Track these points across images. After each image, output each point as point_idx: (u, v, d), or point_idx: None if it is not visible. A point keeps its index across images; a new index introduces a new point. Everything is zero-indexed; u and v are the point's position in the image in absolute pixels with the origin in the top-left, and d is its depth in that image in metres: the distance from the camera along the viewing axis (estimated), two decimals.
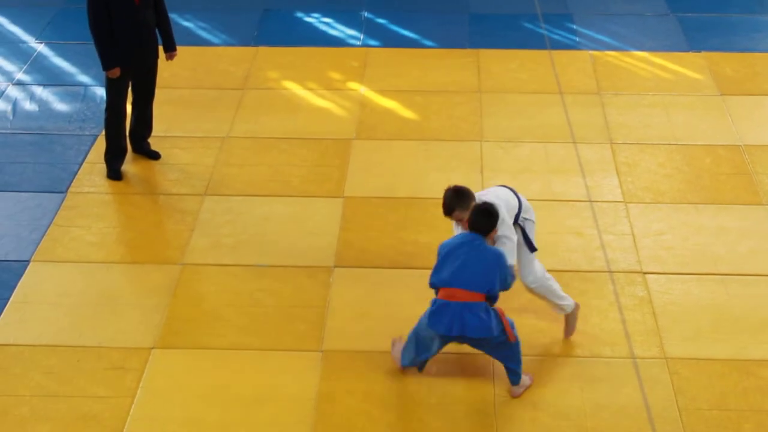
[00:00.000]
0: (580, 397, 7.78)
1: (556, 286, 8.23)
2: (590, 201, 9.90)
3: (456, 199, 7.78)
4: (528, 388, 7.82)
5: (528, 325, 8.42)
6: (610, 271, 9.02)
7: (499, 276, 7.50)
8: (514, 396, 7.78)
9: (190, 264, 9.17)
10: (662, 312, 8.59)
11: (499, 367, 7.97)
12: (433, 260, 9.19)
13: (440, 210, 9.66)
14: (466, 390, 7.86)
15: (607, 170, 10.38)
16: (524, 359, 8.05)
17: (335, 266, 9.15)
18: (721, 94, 11.67)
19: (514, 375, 7.77)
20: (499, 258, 7.53)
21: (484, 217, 7.58)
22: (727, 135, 10.95)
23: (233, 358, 8.19)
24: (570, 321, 8.33)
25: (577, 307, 8.33)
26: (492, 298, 7.51)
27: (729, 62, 12.30)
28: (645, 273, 9.02)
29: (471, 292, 7.45)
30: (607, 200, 9.94)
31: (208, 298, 8.81)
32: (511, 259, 7.69)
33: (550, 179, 10.24)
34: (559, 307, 8.29)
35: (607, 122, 11.16)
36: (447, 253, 7.61)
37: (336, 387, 7.91)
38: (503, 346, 7.64)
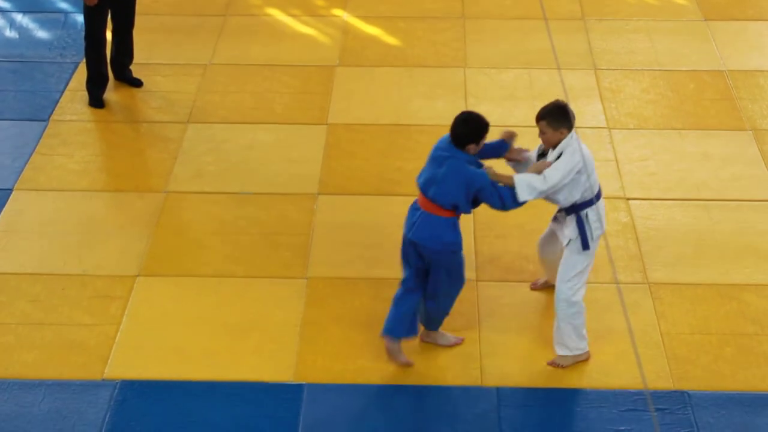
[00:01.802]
0: None
1: (581, 320, 7.44)
2: (574, 127, 9.86)
3: (550, 110, 7.27)
4: (452, 345, 7.65)
5: (512, 252, 8.45)
6: None
7: (475, 197, 7.11)
8: (422, 340, 7.65)
9: (174, 192, 9.15)
10: (645, 238, 8.63)
11: (484, 293, 8.01)
12: (415, 186, 9.21)
13: (425, 137, 9.71)
14: (451, 317, 7.83)
15: (590, 96, 10.36)
16: (509, 285, 8.12)
17: (319, 193, 9.14)
18: (705, 20, 11.62)
19: (431, 318, 7.56)
20: (472, 180, 7.04)
21: (461, 124, 7.11)
22: (711, 61, 10.92)
23: (218, 285, 8.21)
24: (566, 361, 7.57)
25: (585, 355, 7.54)
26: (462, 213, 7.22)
27: None
28: (628, 199, 9.04)
29: (435, 205, 7.19)
30: (591, 126, 9.93)
31: (192, 226, 8.81)
32: (523, 194, 7.10)
33: (534, 105, 10.08)
34: (565, 345, 7.47)
35: (591, 48, 11.12)
36: (432, 156, 7.22)
37: (320, 314, 7.94)
38: (439, 276, 7.33)
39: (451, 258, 7.30)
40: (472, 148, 7.16)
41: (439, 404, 7.26)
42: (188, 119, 10.04)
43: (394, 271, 8.27)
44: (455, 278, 7.38)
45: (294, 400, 7.26)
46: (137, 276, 8.28)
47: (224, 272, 8.32)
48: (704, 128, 9.93)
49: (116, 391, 7.34)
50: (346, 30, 11.48)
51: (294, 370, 7.48)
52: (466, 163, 7.12)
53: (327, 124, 9.99)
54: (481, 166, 7.22)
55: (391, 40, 11.33)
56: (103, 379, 7.43)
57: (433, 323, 7.60)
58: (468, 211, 7.23)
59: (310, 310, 7.97)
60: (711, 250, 8.52)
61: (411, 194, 9.02)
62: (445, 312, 7.54)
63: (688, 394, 7.30)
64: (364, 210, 8.97)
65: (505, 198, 7.14)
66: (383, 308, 7.92)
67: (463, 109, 10.03)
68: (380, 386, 7.38)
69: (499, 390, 7.34)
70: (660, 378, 7.43)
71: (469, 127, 7.15)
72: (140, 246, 8.55)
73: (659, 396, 7.27)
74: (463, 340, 7.66)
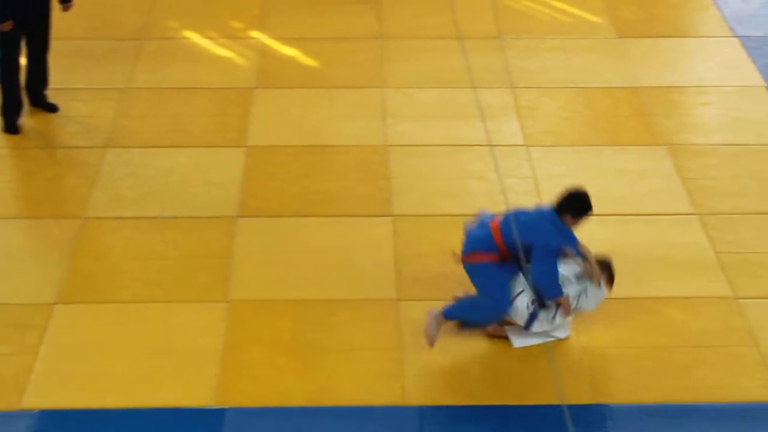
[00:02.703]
0: (489, 341, 7.86)
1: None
2: (492, 145, 9.97)
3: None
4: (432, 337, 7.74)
5: (433, 271, 8.48)
6: None
7: (530, 243, 7.49)
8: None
9: (92, 218, 9.06)
10: None
11: (406, 312, 8.04)
12: (336, 207, 9.23)
13: (344, 158, 9.75)
14: (373, 336, 7.91)
15: (508, 114, 10.45)
16: (430, 303, 8.14)
17: (239, 216, 9.11)
18: (619, 37, 11.78)
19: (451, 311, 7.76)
20: (543, 234, 7.52)
21: (567, 193, 7.65)
22: (625, 77, 11.08)
23: (137, 311, 8.14)
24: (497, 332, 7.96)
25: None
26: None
27: (627, 5, 12.41)
28: None
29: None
30: (509, 144, 10.01)
31: (111, 252, 8.73)
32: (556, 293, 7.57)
33: (453, 124, 10.28)
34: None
35: (508, 66, 11.22)
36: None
37: (242, 337, 7.91)
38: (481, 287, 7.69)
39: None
40: (568, 218, 7.59)
41: (362, 424, 7.25)
42: (106, 144, 9.96)
43: (316, 292, 8.30)
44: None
45: (215, 424, 7.21)
46: (55, 304, 8.17)
47: (144, 297, 8.26)
48: (620, 144, 10.06)
49: (34, 421, 7.23)
50: (263, 52, 11.47)
51: (215, 395, 7.43)
52: (549, 220, 7.57)
53: (246, 146, 9.97)
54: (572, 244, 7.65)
55: (308, 61, 11.34)
56: (21, 410, 7.31)
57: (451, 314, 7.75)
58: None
59: (231, 333, 7.93)
60: (628, 265, 8.60)
61: (330, 215, 9.09)
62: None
63: (609, 408, 7.37)
64: (285, 232, 8.96)
65: (546, 275, 7.53)
66: (304, 330, 7.93)
67: (382, 129, 10.15)
68: (302, 408, 7.36)
69: (421, 409, 7.36)
70: (580, 393, 7.48)
71: (572, 198, 7.61)
72: (58, 273, 8.45)
73: (579, 410, 7.32)
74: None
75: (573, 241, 7.62)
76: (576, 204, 7.65)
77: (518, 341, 7.74)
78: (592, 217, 9.09)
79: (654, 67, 11.28)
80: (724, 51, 11.59)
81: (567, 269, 7.64)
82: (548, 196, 9.30)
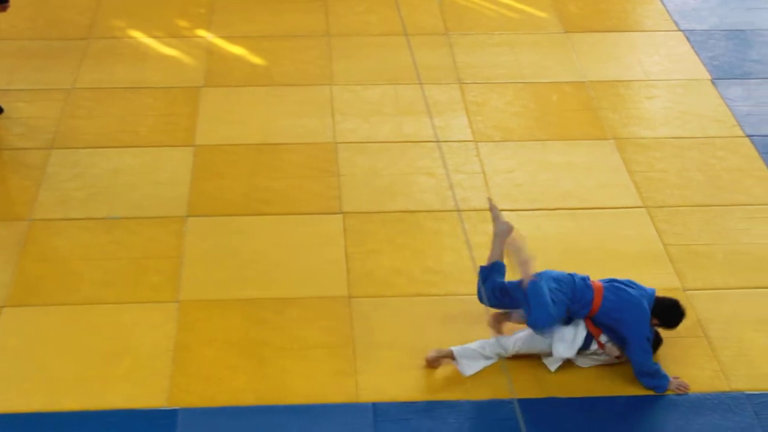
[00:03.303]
0: (438, 335, 7.88)
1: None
2: (441, 141, 9.99)
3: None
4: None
5: (384, 267, 8.49)
6: (463, 210, 9.13)
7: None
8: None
9: (39, 219, 8.97)
10: None
11: (358, 309, 8.04)
12: (286, 205, 9.21)
13: (293, 155, 9.73)
14: (325, 334, 7.90)
15: (456, 110, 10.48)
16: (382, 300, 8.15)
17: (188, 215, 9.06)
18: (565, 32, 11.85)
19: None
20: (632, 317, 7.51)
21: (667, 302, 7.66)
22: (572, 72, 11.14)
23: (87, 313, 8.07)
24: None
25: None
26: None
27: (573, 0, 12.48)
28: None
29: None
30: (458, 140, 10.04)
31: (59, 254, 8.65)
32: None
33: (401, 121, 10.29)
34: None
35: (456, 62, 11.25)
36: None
37: (193, 337, 7.87)
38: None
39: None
40: (654, 321, 7.56)
41: (316, 423, 7.24)
42: (52, 145, 9.87)
43: (266, 290, 8.28)
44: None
45: (168, 425, 7.17)
46: (3, 307, 8.09)
47: (94, 299, 8.19)
48: (568, 138, 10.12)
49: None
50: (210, 51, 11.42)
51: (167, 395, 7.39)
52: (644, 301, 7.55)
53: (194, 145, 9.92)
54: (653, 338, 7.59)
55: (256, 59, 11.30)
56: None
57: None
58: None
59: (182, 333, 7.89)
60: (578, 258, 8.66)
61: (280, 213, 9.06)
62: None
63: (558, 401, 7.40)
64: (235, 231, 8.92)
65: (647, 367, 7.52)
66: (256, 329, 7.91)
67: (330, 126, 10.14)
68: (256, 407, 7.34)
69: (375, 405, 7.36)
70: (529, 387, 7.49)
71: (672, 312, 7.60)
72: (5, 276, 8.36)
73: (529, 404, 7.34)
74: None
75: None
76: (671, 318, 7.62)
77: (470, 369, 7.62)
78: (540, 212, 9.19)
79: (600, 62, 11.36)
80: (669, 45, 11.70)
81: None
82: (498, 191, 9.37)
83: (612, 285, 7.62)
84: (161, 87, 10.76)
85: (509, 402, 7.33)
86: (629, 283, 7.66)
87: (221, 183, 9.45)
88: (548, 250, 8.72)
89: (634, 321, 7.46)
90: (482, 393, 7.44)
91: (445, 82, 10.90)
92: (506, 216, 9.01)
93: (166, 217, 9.03)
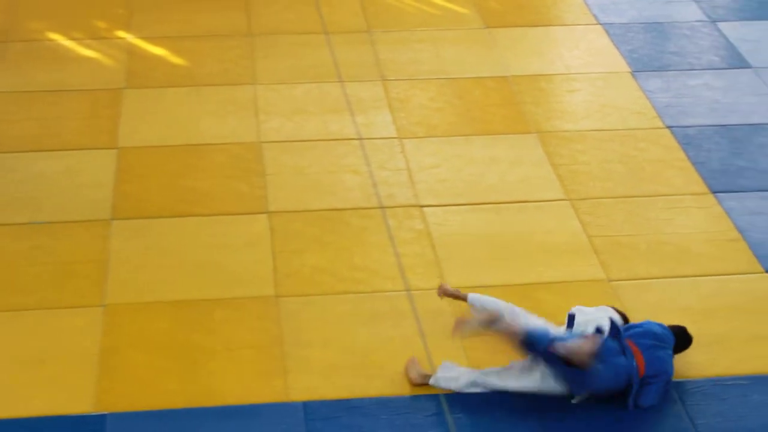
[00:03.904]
0: (366, 332, 7.90)
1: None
2: (365, 138, 10.01)
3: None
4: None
5: (310, 266, 8.49)
6: (388, 207, 9.16)
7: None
8: None
9: None
10: (440, 243, 8.78)
11: (285, 308, 8.02)
12: (212, 206, 9.18)
13: (218, 156, 9.70)
14: (254, 334, 7.88)
15: (380, 107, 10.50)
16: (309, 298, 8.14)
17: (113, 219, 8.99)
18: (486, 27, 11.92)
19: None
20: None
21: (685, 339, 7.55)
22: (494, 67, 11.21)
23: (10, 320, 7.96)
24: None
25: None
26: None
27: None
28: (422, 206, 9.19)
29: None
30: (382, 137, 10.06)
31: None
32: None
33: (325, 119, 10.29)
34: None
35: (378, 59, 11.27)
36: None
37: (120, 341, 7.80)
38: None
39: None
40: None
41: (246, 424, 7.21)
42: None
43: (194, 292, 8.23)
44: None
45: (96, 431, 7.10)
46: None
47: (16, 306, 8.09)
48: (491, 133, 10.18)
49: None
50: (131, 52, 11.33)
51: (94, 401, 7.31)
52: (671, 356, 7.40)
53: (117, 148, 9.84)
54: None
55: (178, 60, 11.23)
56: None
57: None
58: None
59: (108, 337, 7.82)
60: (504, 252, 8.73)
61: (205, 214, 9.03)
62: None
63: (486, 395, 7.43)
64: (160, 233, 8.86)
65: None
66: (184, 331, 7.86)
67: (254, 126, 10.11)
68: (185, 410, 7.29)
69: (305, 404, 7.35)
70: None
71: (685, 340, 7.53)
72: None
73: (454, 399, 7.35)
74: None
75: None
76: (683, 345, 7.55)
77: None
78: (466, 207, 9.24)
79: (522, 56, 11.44)
80: (589, 38, 11.82)
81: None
82: (423, 186, 9.40)
83: (648, 349, 7.32)
84: (82, 89, 10.66)
85: (436, 397, 7.36)
86: (657, 338, 7.43)
87: (146, 185, 9.38)
88: (475, 245, 8.77)
89: (667, 365, 7.37)
90: (411, 388, 7.45)
91: (368, 79, 10.91)
92: (431, 211, 9.11)
93: (91, 221, 8.94)
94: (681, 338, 7.54)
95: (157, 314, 8.03)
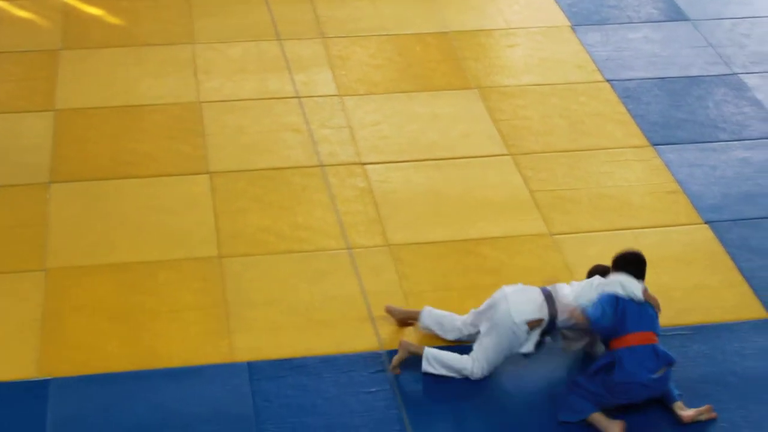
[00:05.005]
0: (309, 291, 7.90)
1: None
2: (305, 97, 9.96)
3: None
4: None
5: (253, 225, 8.46)
6: (330, 165, 9.13)
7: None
8: None
9: None
10: (383, 201, 8.78)
11: (229, 269, 8.00)
12: (152, 167, 9.10)
13: (157, 117, 9.60)
14: (197, 296, 7.85)
15: (320, 65, 10.44)
16: (252, 258, 8.11)
17: (51, 182, 8.89)
18: None
19: None
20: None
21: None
22: (434, 23, 11.18)
23: None
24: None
25: None
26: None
27: None
28: (364, 164, 9.18)
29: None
30: (323, 94, 10.02)
31: None
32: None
33: (265, 77, 10.22)
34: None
35: (318, 17, 11.19)
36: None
37: (62, 305, 7.74)
38: None
39: None
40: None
41: (192, 385, 7.20)
42: None
43: (135, 254, 8.18)
44: None
45: (39, 396, 7.04)
46: None
47: None
48: (432, 89, 10.17)
49: None
50: (66, 12, 11.16)
51: (37, 366, 7.26)
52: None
53: (54, 110, 9.71)
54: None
55: (114, 20, 11.09)
56: None
57: None
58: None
59: (50, 302, 7.76)
60: (446, 208, 8.75)
61: (146, 176, 8.96)
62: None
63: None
64: (100, 195, 8.78)
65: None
66: (127, 293, 7.82)
67: (194, 86, 10.02)
68: (130, 373, 7.26)
69: (250, 364, 7.34)
70: (397, 340, 7.51)
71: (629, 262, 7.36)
72: None
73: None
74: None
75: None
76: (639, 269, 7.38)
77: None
78: (408, 164, 9.23)
79: (462, 12, 11.41)
80: None
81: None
82: (364, 144, 9.38)
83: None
84: (17, 51, 10.51)
85: (379, 354, 7.39)
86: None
87: (84, 147, 9.27)
88: (417, 202, 8.78)
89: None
90: (354, 346, 7.47)
91: (307, 37, 10.84)
92: (373, 168, 9.10)
93: (29, 185, 8.84)
94: (634, 265, 7.38)
95: (100, 277, 7.97)
